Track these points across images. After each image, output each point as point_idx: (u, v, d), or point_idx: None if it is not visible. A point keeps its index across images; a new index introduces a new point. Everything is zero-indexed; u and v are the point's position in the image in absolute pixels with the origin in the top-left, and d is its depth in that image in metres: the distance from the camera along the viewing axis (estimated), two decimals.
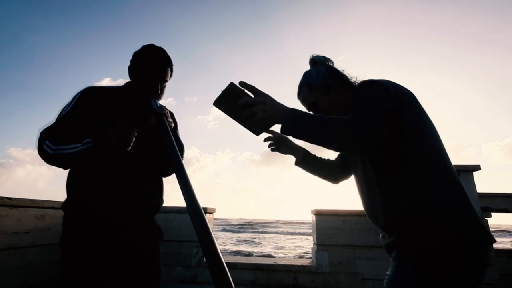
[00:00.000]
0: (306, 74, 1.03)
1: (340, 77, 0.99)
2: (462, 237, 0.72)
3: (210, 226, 0.70)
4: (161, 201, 1.19)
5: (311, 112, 1.00)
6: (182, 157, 1.19)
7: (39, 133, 1.02)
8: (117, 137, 0.96)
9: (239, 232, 27.31)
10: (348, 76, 1.01)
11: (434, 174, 0.78)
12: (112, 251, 1.00)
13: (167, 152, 0.94)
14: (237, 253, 12.30)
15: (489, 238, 0.74)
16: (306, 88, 1.00)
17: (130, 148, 0.98)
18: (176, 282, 2.93)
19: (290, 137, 0.91)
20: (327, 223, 2.95)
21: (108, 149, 0.97)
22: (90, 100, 1.07)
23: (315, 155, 1.20)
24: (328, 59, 1.05)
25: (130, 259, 1.04)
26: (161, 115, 1.06)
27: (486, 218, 2.61)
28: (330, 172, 1.17)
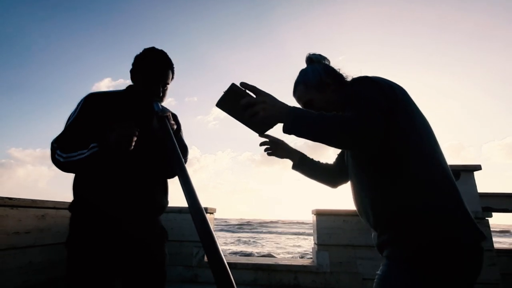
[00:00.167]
0: (302, 72, 1.03)
1: (336, 76, 1.00)
2: (453, 241, 0.71)
3: (211, 226, 0.70)
4: (166, 202, 1.20)
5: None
6: (186, 158, 1.22)
7: (51, 143, 1.07)
8: (118, 137, 0.98)
9: (239, 232, 27.31)
10: (344, 75, 1.01)
11: (426, 175, 0.77)
12: (117, 251, 1.02)
13: (169, 154, 0.95)
14: (237, 253, 12.30)
15: (480, 239, 0.73)
16: (302, 86, 1.00)
17: (132, 148, 1.00)
18: (176, 282, 2.93)
19: (291, 137, 0.91)
20: (328, 223, 2.95)
21: (112, 151, 0.99)
22: (93, 106, 1.11)
23: (312, 159, 1.19)
24: (324, 58, 1.05)
25: (134, 260, 1.05)
26: (163, 118, 1.07)
27: (487, 218, 2.61)
28: (328, 176, 1.15)
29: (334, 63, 1.05)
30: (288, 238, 21.38)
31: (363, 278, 2.75)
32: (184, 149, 1.23)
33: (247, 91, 0.81)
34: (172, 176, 1.22)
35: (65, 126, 1.10)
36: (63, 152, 1.03)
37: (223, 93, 0.81)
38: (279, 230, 30.67)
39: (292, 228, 33.19)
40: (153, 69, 1.13)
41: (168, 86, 1.19)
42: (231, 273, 0.63)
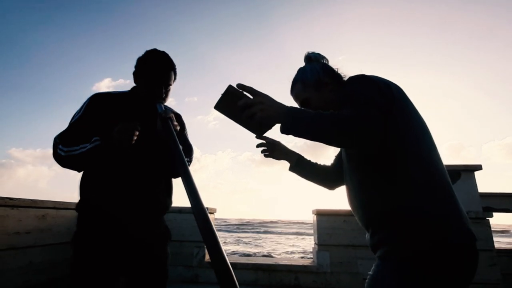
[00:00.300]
0: (300, 71, 1.03)
1: (334, 75, 0.99)
2: (444, 243, 0.71)
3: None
4: (170, 202, 1.22)
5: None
6: (191, 158, 1.25)
7: (54, 138, 1.09)
8: (120, 131, 0.99)
9: (239, 232, 27.31)
10: (342, 74, 1.01)
11: (420, 176, 0.76)
12: (121, 250, 1.05)
13: (172, 155, 0.96)
14: (237, 253, 12.30)
15: (472, 243, 0.74)
16: (299, 84, 1.00)
17: (133, 142, 1.01)
18: (177, 282, 2.93)
19: (291, 137, 0.90)
20: (328, 223, 2.95)
21: (114, 145, 1.00)
22: (98, 106, 1.13)
23: (309, 160, 1.19)
24: (323, 57, 1.04)
25: (137, 258, 1.07)
26: (166, 119, 1.08)
27: (487, 218, 2.61)
28: (325, 177, 1.15)
29: (334, 63, 1.05)
30: (288, 238, 21.38)
31: (363, 278, 2.75)
32: (189, 149, 1.25)
33: (245, 92, 0.81)
34: (176, 176, 1.23)
35: (69, 123, 1.12)
36: (64, 147, 1.04)
37: (220, 95, 0.81)
38: (279, 230, 30.67)
39: (292, 228, 33.18)
40: (155, 71, 1.14)
41: (171, 87, 1.20)
42: None
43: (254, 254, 11.62)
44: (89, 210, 1.08)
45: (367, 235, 0.90)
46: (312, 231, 3.30)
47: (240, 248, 14.38)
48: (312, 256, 3.26)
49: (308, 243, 17.08)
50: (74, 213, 2.44)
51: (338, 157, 1.14)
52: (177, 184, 1.25)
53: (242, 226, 35.65)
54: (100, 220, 1.06)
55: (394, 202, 0.77)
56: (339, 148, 1.11)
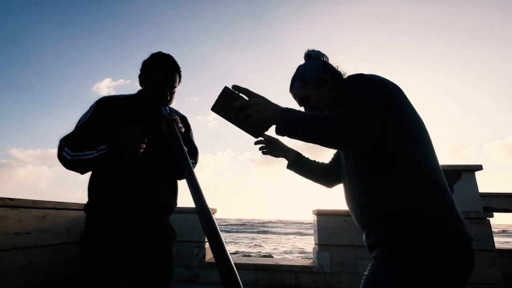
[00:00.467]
0: (300, 68, 1.02)
1: (334, 73, 0.99)
2: (438, 245, 0.72)
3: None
4: (175, 203, 1.24)
5: (302, 107, 1.01)
6: (196, 159, 1.27)
7: (59, 140, 1.10)
8: (126, 144, 1.00)
9: (239, 232, 27.31)
10: (342, 72, 1.00)
11: (417, 178, 0.76)
12: (126, 250, 1.08)
13: (177, 157, 0.97)
14: (238, 253, 12.30)
15: (467, 244, 0.74)
16: (299, 82, 0.99)
17: (140, 154, 1.03)
18: (177, 282, 2.93)
19: (285, 138, 0.90)
20: (329, 223, 2.95)
21: (120, 155, 1.01)
22: (104, 109, 1.15)
23: (307, 158, 1.18)
24: (323, 54, 1.04)
25: (142, 258, 1.10)
26: (171, 121, 1.09)
27: (488, 218, 2.60)
28: (324, 175, 1.14)
29: (334, 61, 1.04)
30: (288, 238, 21.39)
31: None
32: (194, 150, 1.28)
33: (241, 94, 0.81)
34: (181, 178, 1.25)
35: (76, 126, 1.14)
36: (70, 150, 1.06)
37: (217, 97, 0.82)
38: (280, 230, 30.67)
39: (292, 228, 33.18)
40: (160, 73, 1.16)
41: (176, 89, 1.22)
42: None
43: (255, 254, 11.62)
44: (96, 211, 1.11)
45: (364, 235, 0.90)
46: (312, 231, 3.30)
47: (240, 248, 14.39)
48: (312, 256, 3.26)
49: (309, 243, 17.09)
50: (74, 214, 2.45)
51: (337, 155, 1.13)
52: (181, 185, 1.28)
53: (242, 226, 35.66)
54: (107, 221, 1.09)
55: (392, 203, 0.77)
56: (335, 149, 1.11)
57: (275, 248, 14.85)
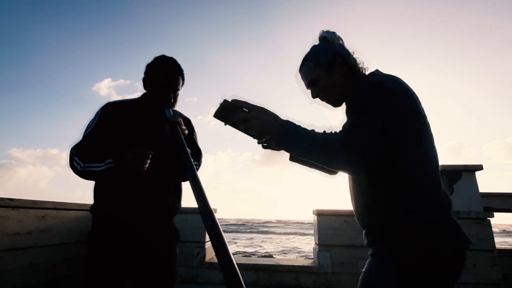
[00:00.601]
0: (313, 48, 0.97)
1: (349, 59, 0.93)
2: (436, 247, 0.73)
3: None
4: (179, 205, 1.26)
5: (309, 90, 0.97)
6: (200, 161, 1.29)
7: (70, 150, 1.15)
8: (132, 159, 1.05)
9: (239, 232, 27.31)
10: (358, 60, 0.94)
11: (419, 183, 0.77)
12: (131, 251, 1.10)
13: (180, 159, 0.99)
14: (238, 253, 12.30)
15: (464, 245, 0.76)
16: (310, 63, 0.94)
17: (145, 169, 1.07)
18: (177, 282, 2.91)
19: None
20: (329, 224, 2.94)
21: (126, 169, 1.07)
22: (110, 115, 1.18)
23: None
24: (339, 37, 0.97)
25: (147, 259, 1.13)
26: (174, 124, 1.11)
27: (488, 218, 2.60)
28: None
29: (350, 46, 0.96)
30: (288, 239, 21.38)
31: None
32: (198, 152, 1.29)
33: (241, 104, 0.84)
34: (185, 180, 1.26)
35: (84, 134, 1.17)
36: (81, 161, 1.11)
37: (219, 105, 0.85)
38: (280, 230, 30.66)
39: (292, 228, 33.18)
40: (164, 76, 1.18)
41: (179, 92, 1.24)
42: None
43: (255, 254, 11.62)
44: (102, 213, 1.14)
45: (364, 233, 0.91)
46: (312, 231, 3.29)
47: (240, 249, 14.38)
48: (312, 257, 3.26)
49: (309, 243, 17.08)
50: (74, 214, 2.45)
51: None
52: (185, 186, 1.30)
53: (242, 226, 35.66)
54: (113, 223, 1.11)
55: (393, 203, 0.78)
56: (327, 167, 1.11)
57: (275, 248, 14.85)
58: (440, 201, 0.77)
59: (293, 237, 22.32)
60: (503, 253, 2.95)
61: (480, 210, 2.65)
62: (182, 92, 1.27)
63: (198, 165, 1.27)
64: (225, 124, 0.87)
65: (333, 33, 0.97)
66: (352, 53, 0.95)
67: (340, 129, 1.01)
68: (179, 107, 1.29)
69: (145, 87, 1.24)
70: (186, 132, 1.18)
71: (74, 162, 1.11)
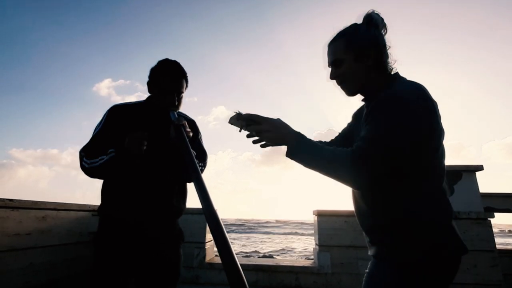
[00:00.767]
0: (353, 27, 0.89)
1: (382, 52, 0.87)
2: (440, 250, 0.75)
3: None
4: (184, 205, 1.29)
5: (330, 68, 0.93)
6: (205, 162, 1.32)
7: (79, 152, 1.20)
8: (129, 140, 1.08)
9: (240, 232, 27.29)
10: (391, 56, 0.89)
11: (428, 188, 0.78)
12: (136, 251, 1.13)
13: (185, 161, 1.01)
14: (238, 254, 12.30)
15: (462, 249, 0.77)
16: (343, 41, 0.87)
17: (143, 149, 1.10)
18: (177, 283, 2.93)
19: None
20: (329, 224, 2.94)
21: (127, 154, 1.10)
22: (116, 117, 1.22)
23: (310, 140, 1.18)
24: (384, 25, 0.89)
25: (151, 260, 1.15)
26: (179, 126, 1.13)
27: (489, 219, 2.59)
28: None
29: (389, 39, 0.89)
30: (288, 239, 21.36)
31: None
32: (203, 154, 1.32)
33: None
34: (190, 181, 1.28)
35: (92, 136, 1.22)
36: (88, 159, 1.15)
37: (233, 113, 0.90)
38: (280, 230, 30.65)
39: (293, 229, 33.16)
40: (167, 80, 1.20)
41: (183, 94, 1.26)
42: None
43: (255, 255, 11.61)
44: (109, 214, 1.17)
45: (365, 232, 0.91)
46: (312, 231, 3.29)
47: (241, 249, 14.37)
48: (313, 257, 3.25)
49: (309, 244, 17.07)
50: (74, 215, 2.45)
51: (342, 135, 1.10)
52: (190, 187, 1.32)
53: (242, 226, 35.65)
54: (119, 223, 1.14)
55: (395, 205, 0.78)
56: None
57: (275, 248, 14.84)
58: (443, 208, 0.78)
59: (296, 238, 22.30)
60: (503, 253, 2.95)
61: (480, 210, 2.64)
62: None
63: (203, 166, 1.30)
64: (240, 131, 0.92)
65: (382, 19, 0.89)
66: (388, 47, 0.89)
67: (340, 132, 1.00)
68: (181, 108, 1.30)
69: (149, 90, 1.27)
70: (191, 134, 1.20)
71: (83, 162, 1.16)
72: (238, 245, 16.42)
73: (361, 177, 0.73)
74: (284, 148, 0.85)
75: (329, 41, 0.92)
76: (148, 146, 1.12)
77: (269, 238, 21.56)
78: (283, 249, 14.56)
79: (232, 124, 0.91)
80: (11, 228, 1.86)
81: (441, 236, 0.76)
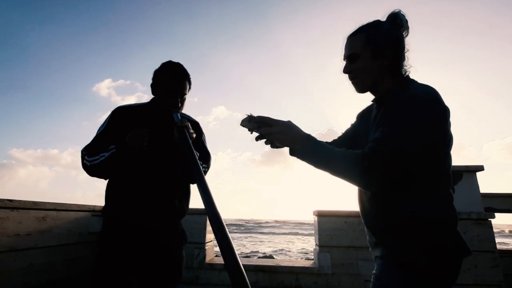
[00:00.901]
0: (376, 23, 0.88)
1: (400, 54, 0.86)
2: (448, 251, 0.76)
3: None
4: (187, 207, 1.29)
5: (345, 61, 0.92)
6: (208, 164, 1.32)
7: (81, 151, 1.21)
8: (129, 138, 1.09)
9: (240, 232, 27.28)
10: (407, 60, 0.88)
11: (436, 190, 0.79)
12: (139, 251, 1.14)
13: (188, 162, 1.02)
14: (238, 254, 12.28)
15: (466, 251, 0.78)
16: (363, 36, 0.86)
17: (144, 145, 1.10)
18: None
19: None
20: (329, 224, 2.94)
21: (128, 150, 1.10)
22: (119, 118, 1.23)
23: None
24: (407, 27, 0.87)
25: (153, 261, 1.16)
26: (182, 128, 1.13)
27: (489, 219, 2.59)
28: None
29: (407, 42, 0.88)
30: (288, 239, 21.35)
31: (365, 280, 2.74)
32: (206, 155, 1.32)
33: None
34: (194, 182, 1.29)
35: (94, 136, 1.23)
36: (89, 157, 1.16)
37: (245, 115, 0.92)
38: (280, 230, 30.64)
39: (293, 229, 33.15)
40: (170, 81, 1.21)
41: (186, 96, 1.26)
42: None
43: (255, 255, 11.60)
44: (112, 215, 1.18)
45: (369, 234, 0.91)
46: (312, 232, 3.29)
47: (241, 249, 14.36)
48: (313, 257, 3.25)
49: (309, 244, 17.06)
50: (74, 215, 2.45)
51: (347, 133, 1.09)
52: (193, 188, 1.32)
53: (242, 227, 35.64)
54: (122, 224, 1.15)
55: (403, 207, 0.79)
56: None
57: (276, 249, 14.83)
58: (451, 212, 0.79)
59: (296, 238, 22.28)
60: (504, 253, 2.94)
61: (481, 211, 2.64)
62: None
63: (207, 167, 1.30)
64: (251, 133, 0.93)
65: (406, 20, 0.87)
66: (406, 50, 0.88)
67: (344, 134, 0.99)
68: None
69: (153, 92, 1.27)
70: (194, 135, 1.20)
71: (84, 160, 1.17)
72: (238, 245, 16.42)
73: (373, 179, 0.73)
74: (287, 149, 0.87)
75: (349, 34, 0.91)
76: (151, 147, 1.12)
77: (268, 238, 21.56)
78: (282, 249, 14.55)
79: (243, 126, 0.92)
80: (10, 229, 1.86)
81: (449, 239, 0.77)
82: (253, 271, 2.93)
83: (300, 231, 29.26)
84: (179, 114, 1.20)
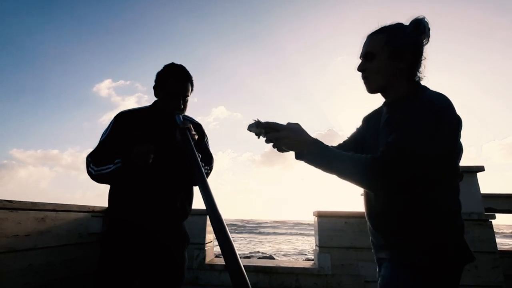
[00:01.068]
0: (398, 26, 0.89)
1: (417, 60, 0.87)
2: (456, 254, 0.78)
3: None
4: (189, 208, 1.30)
5: (361, 59, 0.92)
6: (211, 166, 1.32)
7: (86, 157, 1.22)
8: (137, 153, 1.10)
9: (240, 233, 27.26)
10: (422, 67, 0.89)
11: (441, 190, 0.79)
12: (141, 252, 1.15)
13: (190, 164, 1.03)
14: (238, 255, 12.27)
15: (469, 257, 0.81)
16: (384, 36, 0.87)
17: (150, 162, 1.12)
18: None
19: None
20: (329, 225, 2.93)
21: (133, 165, 1.11)
22: (122, 123, 1.25)
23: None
24: (428, 35, 0.88)
25: (156, 262, 1.16)
26: (184, 130, 1.14)
27: (490, 220, 2.58)
28: None
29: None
30: (289, 240, 21.33)
31: (365, 281, 2.73)
32: (209, 157, 1.33)
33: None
34: (196, 184, 1.30)
35: (98, 142, 1.24)
36: (94, 166, 1.18)
37: (253, 120, 0.92)
38: (280, 231, 30.62)
39: (293, 229, 33.13)
40: (173, 83, 1.21)
41: (188, 98, 1.27)
42: None
43: (255, 256, 11.59)
44: (116, 217, 1.20)
45: (372, 235, 0.91)
46: (312, 232, 3.28)
47: (241, 250, 14.35)
48: (313, 258, 3.25)
49: (309, 245, 17.05)
50: (74, 216, 2.44)
51: (353, 136, 1.09)
52: (196, 190, 1.33)
53: (243, 227, 35.63)
54: (125, 226, 1.16)
55: (411, 211, 0.79)
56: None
57: (276, 249, 14.82)
58: (457, 220, 0.80)
59: (296, 239, 22.27)
60: (504, 254, 2.93)
61: (481, 211, 2.63)
62: None
63: (209, 169, 1.30)
64: (258, 138, 0.94)
65: (429, 28, 0.88)
66: (423, 58, 0.88)
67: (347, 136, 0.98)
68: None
69: (155, 94, 1.28)
70: (196, 137, 1.21)
71: (89, 168, 1.19)
72: (238, 245, 16.41)
73: (384, 183, 0.73)
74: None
75: (369, 33, 0.91)
76: (154, 150, 1.13)
77: (268, 239, 21.54)
78: (282, 250, 14.54)
79: (251, 131, 0.93)
80: (10, 230, 1.85)
81: (454, 242, 0.78)
82: (253, 272, 2.93)
83: (300, 232, 29.24)
84: (181, 116, 1.21)
